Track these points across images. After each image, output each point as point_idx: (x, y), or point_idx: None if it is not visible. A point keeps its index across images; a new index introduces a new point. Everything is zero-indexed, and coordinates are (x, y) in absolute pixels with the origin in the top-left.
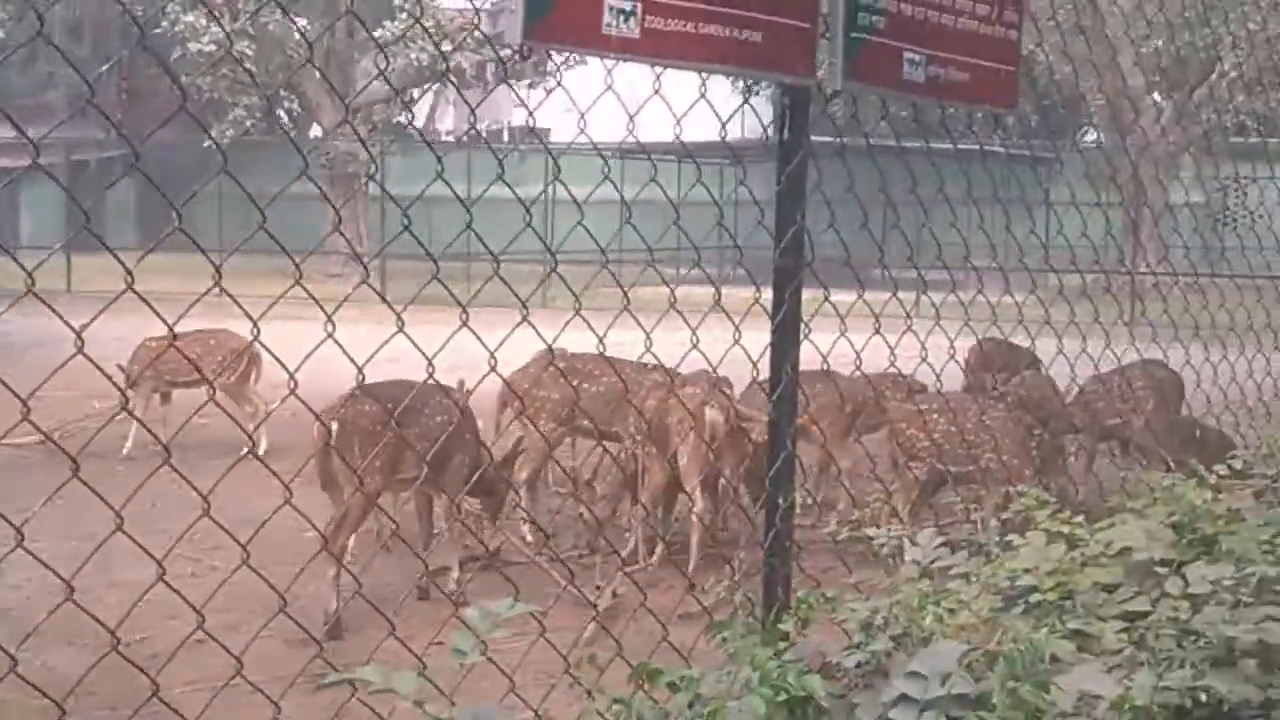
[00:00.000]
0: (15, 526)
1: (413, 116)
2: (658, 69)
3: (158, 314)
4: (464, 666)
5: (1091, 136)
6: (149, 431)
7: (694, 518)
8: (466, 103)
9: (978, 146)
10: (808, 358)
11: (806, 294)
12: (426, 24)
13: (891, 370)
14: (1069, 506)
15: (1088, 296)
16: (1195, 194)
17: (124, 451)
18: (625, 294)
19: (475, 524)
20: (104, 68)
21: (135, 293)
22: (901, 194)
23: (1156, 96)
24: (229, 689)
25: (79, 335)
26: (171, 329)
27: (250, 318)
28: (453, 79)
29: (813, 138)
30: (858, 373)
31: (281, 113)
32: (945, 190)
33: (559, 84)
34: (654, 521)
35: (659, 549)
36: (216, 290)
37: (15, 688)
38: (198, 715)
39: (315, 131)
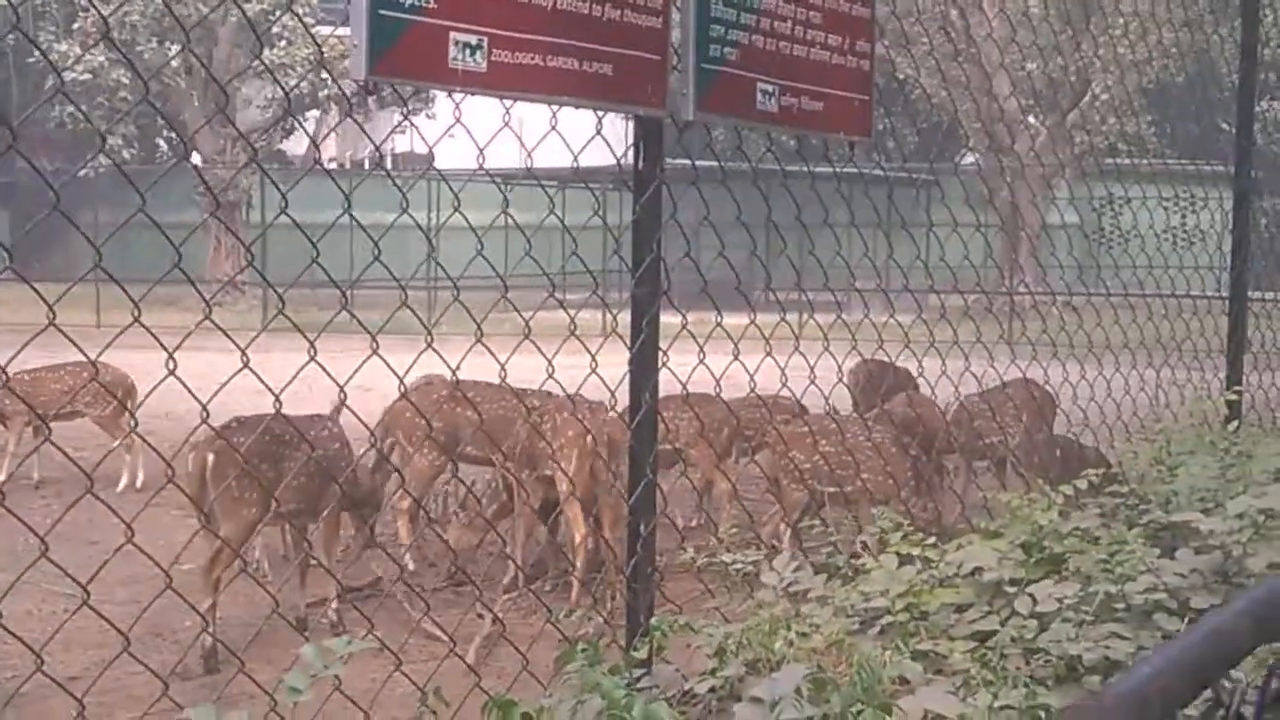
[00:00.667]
0: None
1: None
2: (507, 102)
3: None
4: (321, 699)
5: (970, 159)
6: None
7: (575, 542)
8: (309, 136)
9: (856, 169)
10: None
11: (676, 319)
12: (304, 51)
13: (755, 393)
14: (940, 529)
15: (970, 317)
16: (1071, 215)
17: None
18: (478, 324)
19: (353, 555)
20: None
21: None
22: (782, 218)
23: (1032, 119)
24: None
25: None
26: (3, 372)
27: (168, 349)
28: (295, 114)
29: (697, 163)
30: (732, 396)
31: (160, 140)
32: (826, 214)
33: (406, 116)
34: (531, 547)
35: (550, 572)
36: (94, 322)
37: None
38: None
39: (196, 159)
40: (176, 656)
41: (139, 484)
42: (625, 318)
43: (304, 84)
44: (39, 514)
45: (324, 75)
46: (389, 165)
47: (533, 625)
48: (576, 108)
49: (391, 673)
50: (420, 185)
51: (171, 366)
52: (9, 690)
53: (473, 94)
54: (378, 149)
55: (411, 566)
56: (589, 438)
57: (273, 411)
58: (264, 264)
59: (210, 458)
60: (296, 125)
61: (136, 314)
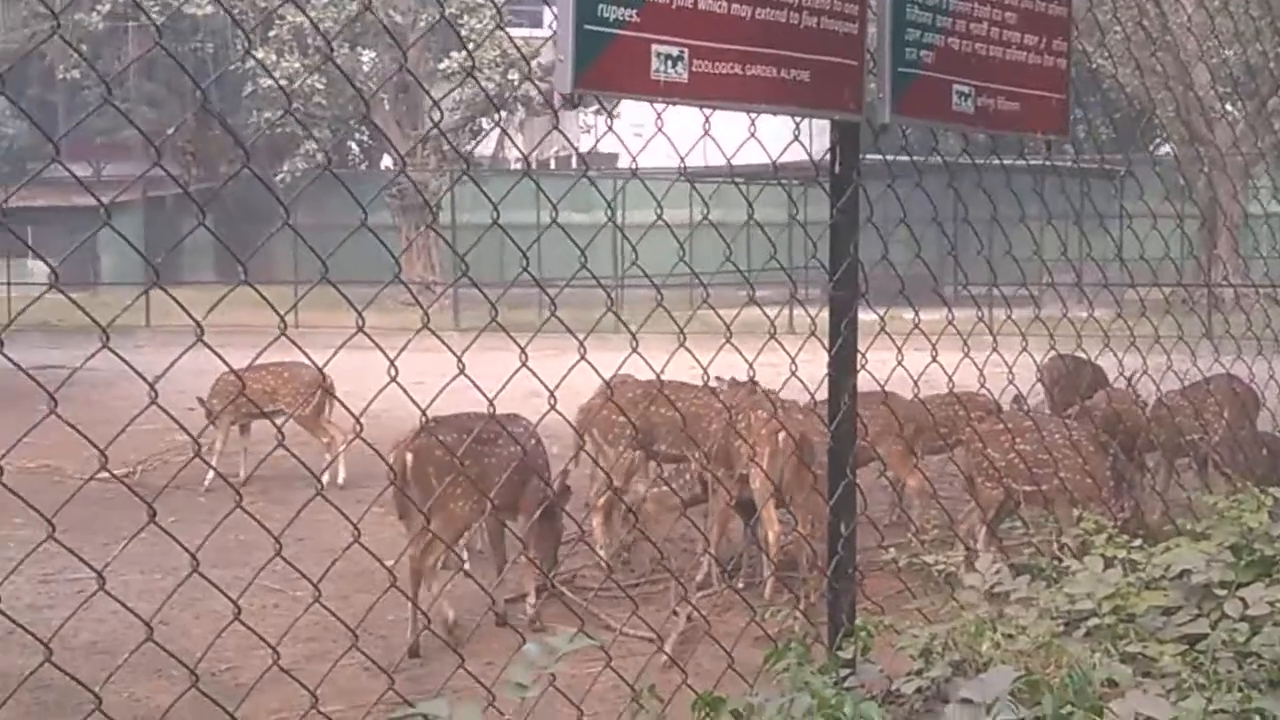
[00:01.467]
0: (96, 571)
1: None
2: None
3: (224, 361)
4: (532, 696)
5: (1165, 149)
6: (220, 476)
7: (769, 540)
8: (510, 138)
9: (1049, 163)
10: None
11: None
12: (492, 53)
13: (955, 389)
14: (1144, 528)
15: (1170, 312)
16: (1273, 205)
17: (206, 483)
18: (681, 328)
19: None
20: (170, 130)
21: (206, 345)
22: (976, 213)
23: (1229, 107)
24: (312, 718)
25: (152, 386)
26: (238, 373)
27: (315, 364)
28: (498, 110)
29: (889, 158)
30: (926, 394)
31: (353, 144)
32: (1021, 210)
33: (610, 127)
34: (724, 545)
35: (743, 570)
36: (292, 322)
37: None
38: None
39: (387, 162)
40: (381, 650)
41: (340, 481)
42: (814, 312)
43: (491, 86)
44: (251, 511)
45: (510, 77)
46: (574, 165)
47: (728, 623)
48: (775, 114)
49: (602, 670)
50: (605, 185)
51: (393, 374)
52: (224, 681)
53: (674, 104)
54: (579, 154)
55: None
56: (781, 436)
57: (467, 411)
58: (454, 265)
59: (409, 457)
60: (483, 128)
61: (361, 323)
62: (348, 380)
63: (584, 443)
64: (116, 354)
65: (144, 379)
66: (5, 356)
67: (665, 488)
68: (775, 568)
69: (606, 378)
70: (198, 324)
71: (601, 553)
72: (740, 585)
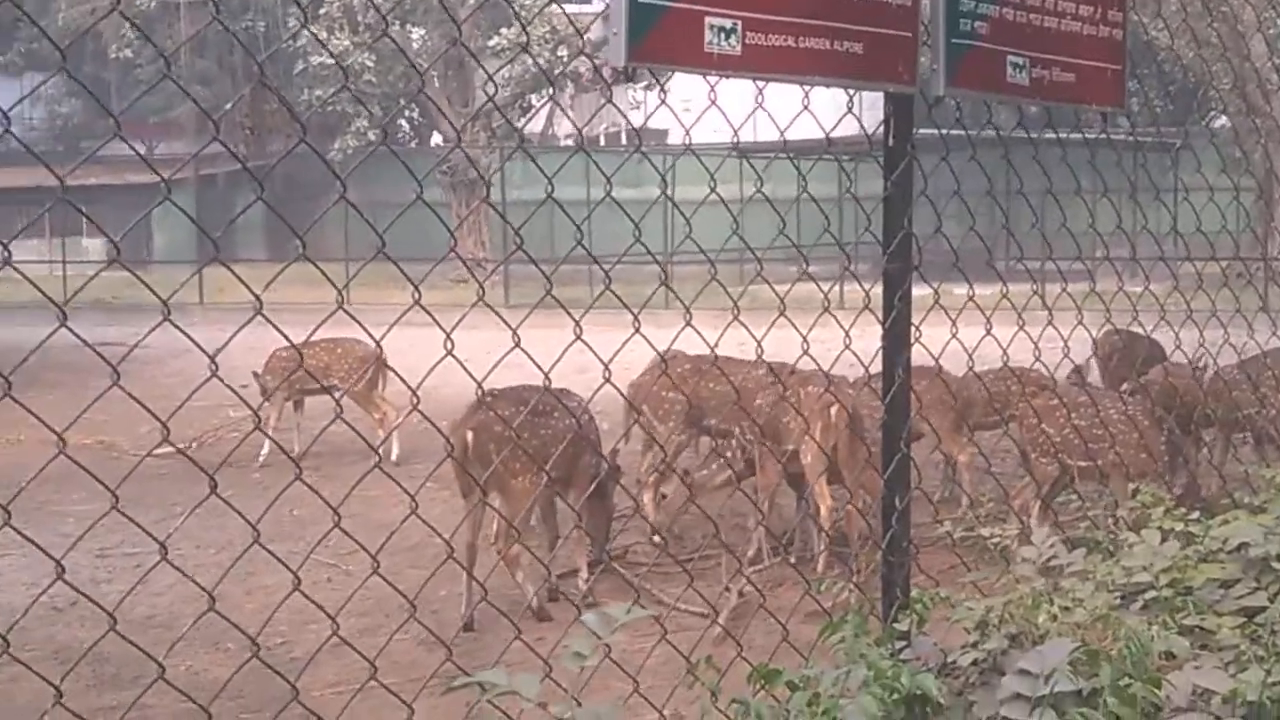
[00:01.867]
0: (159, 541)
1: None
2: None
3: (284, 336)
4: (589, 667)
5: (1221, 121)
6: (279, 448)
7: (822, 514)
8: (565, 112)
9: (1103, 135)
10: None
11: (924, 290)
12: (541, 30)
13: (1010, 364)
14: (1199, 503)
15: (1227, 286)
16: None
17: (260, 459)
18: (735, 301)
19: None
20: (228, 105)
21: (264, 317)
22: (1031, 186)
23: None
24: (369, 690)
25: (213, 360)
26: (298, 347)
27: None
28: (554, 86)
29: (943, 131)
30: (981, 369)
31: (403, 122)
32: (1077, 180)
33: (664, 101)
34: (775, 520)
35: (794, 544)
36: (345, 301)
37: (162, 692)
38: (337, 717)
39: (436, 139)
40: (434, 624)
41: (394, 457)
42: (867, 286)
43: (541, 61)
44: (298, 486)
45: (560, 53)
46: (622, 140)
47: (781, 598)
48: (828, 87)
49: (656, 643)
50: (656, 160)
51: (449, 347)
52: (278, 655)
53: (727, 77)
54: (633, 128)
55: (658, 539)
56: (834, 409)
57: (521, 384)
58: (504, 241)
59: (469, 435)
60: (532, 104)
61: (417, 296)
62: (399, 358)
63: (636, 418)
64: (179, 327)
65: (205, 353)
66: (69, 330)
67: (708, 468)
68: (828, 542)
69: (659, 352)
70: (257, 299)
71: (653, 528)
72: (792, 560)
